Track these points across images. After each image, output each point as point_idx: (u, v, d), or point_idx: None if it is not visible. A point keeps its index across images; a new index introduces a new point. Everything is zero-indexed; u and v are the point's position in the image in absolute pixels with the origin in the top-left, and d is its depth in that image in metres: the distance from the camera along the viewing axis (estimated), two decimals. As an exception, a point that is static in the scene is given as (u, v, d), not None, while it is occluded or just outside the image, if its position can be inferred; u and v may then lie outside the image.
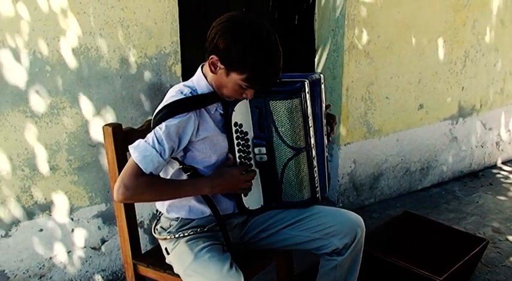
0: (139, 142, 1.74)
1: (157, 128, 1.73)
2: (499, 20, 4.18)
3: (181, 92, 1.79)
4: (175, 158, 1.83)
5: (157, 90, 2.67)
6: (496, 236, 3.34)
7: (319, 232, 1.94)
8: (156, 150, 1.71)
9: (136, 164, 1.70)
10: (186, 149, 1.83)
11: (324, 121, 1.99)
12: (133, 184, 1.70)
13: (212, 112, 1.84)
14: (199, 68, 1.87)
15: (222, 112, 1.85)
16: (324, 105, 1.97)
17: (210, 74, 1.79)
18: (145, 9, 2.55)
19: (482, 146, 4.48)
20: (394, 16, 3.49)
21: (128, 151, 1.77)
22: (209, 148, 1.84)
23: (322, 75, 1.96)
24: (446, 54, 3.90)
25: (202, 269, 1.75)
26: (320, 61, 3.49)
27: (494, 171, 4.54)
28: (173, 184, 1.84)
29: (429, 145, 4.04)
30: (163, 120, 1.72)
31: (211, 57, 1.72)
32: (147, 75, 2.64)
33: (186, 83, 1.88)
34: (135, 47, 2.57)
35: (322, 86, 1.95)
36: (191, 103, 1.77)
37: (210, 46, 1.72)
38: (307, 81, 1.84)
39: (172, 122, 1.72)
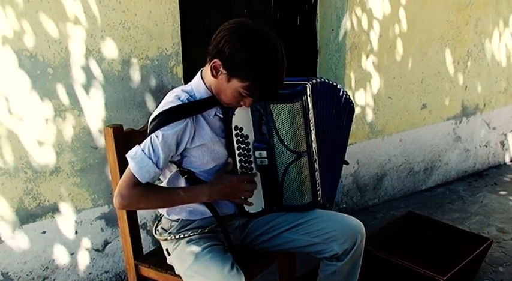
0: (136, 150, 1.74)
1: (153, 135, 1.72)
2: (502, 18, 4.17)
3: (179, 98, 1.77)
4: (173, 162, 1.83)
5: (159, 91, 2.68)
6: (501, 235, 3.33)
7: (319, 237, 1.93)
8: (153, 161, 1.71)
9: (133, 174, 1.71)
10: (183, 154, 1.82)
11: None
12: (129, 194, 1.72)
13: (211, 117, 1.82)
14: (199, 72, 1.85)
15: (221, 116, 1.84)
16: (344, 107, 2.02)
17: (209, 78, 1.77)
18: (146, 11, 2.55)
19: (487, 146, 4.47)
20: (396, 16, 3.48)
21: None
22: (206, 155, 1.83)
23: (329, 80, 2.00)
24: (449, 54, 3.89)
25: (203, 269, 1.75)
26: (322, 62, 3.49)
27: (499, 170, 4.53)
28: (169, 193, 1.83)
29: (433, 145, 4.03)
30: (159, 128, 1.71)
31: (214, 61, 1.70)
32: (149, 76, 2.65)
33: (184, 87, 1.85)
34: (137, 48, 2.57)
35: (340, 89, 2.00)
36: (188, 110, 1.75)
37: (215, 50, 1.70)
38: (309, 84, 1.83)
39: (169, 131, 1.71)
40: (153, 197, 1.78)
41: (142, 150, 1.72)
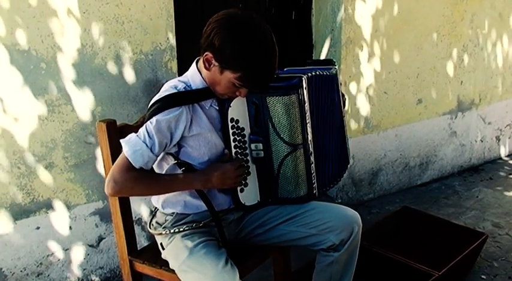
0: (130, 136, 1.74)
1: (148, 122, 1.73)
2: (497, 13, 4.16)
3: (175, 87, 1.78)
4: (170, 154, 1.83)
5: (154, 86, 2.66)
6: (496, 230, 3.33)
7: (315, 228, 1.93)
8: (147, 145, 1.71)
9: (127, 158, 1.71)
10: (180, 145, 1.82)
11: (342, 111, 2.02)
12: (122, 178, 1.71)
13: (207, 108, 1.83)
14: (194, 63, 1.86)
15: (217, 108, 1.84)
16: (340, 99, 2.01)
17: (204, 70, 1.78)
18: (140, 5, 2.54)
19: (482, 141, 4.47)
20: (391, 10, 3.47)
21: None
22: (203, 146, 1.82)
23: (336, 69, 1.98)
24: (444, 49, 3.88)
25: (197, 265, 1.74)
26: (317, 56, 3.48)
27: (494, 165, 4.53)
28: (163, 179, 1.83)
29: (428, 140, 4.03)
30: (155, 115, 1.72)
31: (205, 54, 1.72)
32: (143, 71, 2.63)
33: (180, 78, 1.87)
34: (131, 43, 2.56)
35: (338, 78, 2.00)
36: (184, 98, 1.76)
37: (206, 42, 1.71)
38: (305, 77, 1.83)
39: (163, 116, 1.72)
40: (147, 183, 1.77)
41: (137, 136, 1.73)
